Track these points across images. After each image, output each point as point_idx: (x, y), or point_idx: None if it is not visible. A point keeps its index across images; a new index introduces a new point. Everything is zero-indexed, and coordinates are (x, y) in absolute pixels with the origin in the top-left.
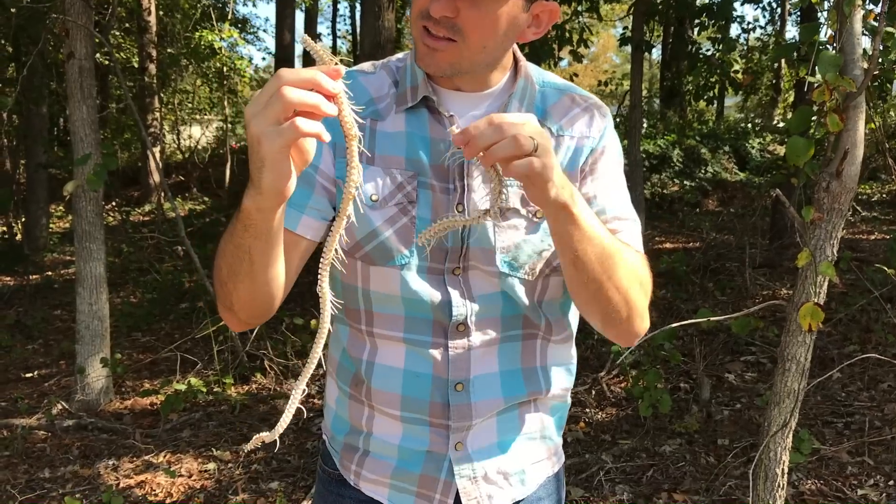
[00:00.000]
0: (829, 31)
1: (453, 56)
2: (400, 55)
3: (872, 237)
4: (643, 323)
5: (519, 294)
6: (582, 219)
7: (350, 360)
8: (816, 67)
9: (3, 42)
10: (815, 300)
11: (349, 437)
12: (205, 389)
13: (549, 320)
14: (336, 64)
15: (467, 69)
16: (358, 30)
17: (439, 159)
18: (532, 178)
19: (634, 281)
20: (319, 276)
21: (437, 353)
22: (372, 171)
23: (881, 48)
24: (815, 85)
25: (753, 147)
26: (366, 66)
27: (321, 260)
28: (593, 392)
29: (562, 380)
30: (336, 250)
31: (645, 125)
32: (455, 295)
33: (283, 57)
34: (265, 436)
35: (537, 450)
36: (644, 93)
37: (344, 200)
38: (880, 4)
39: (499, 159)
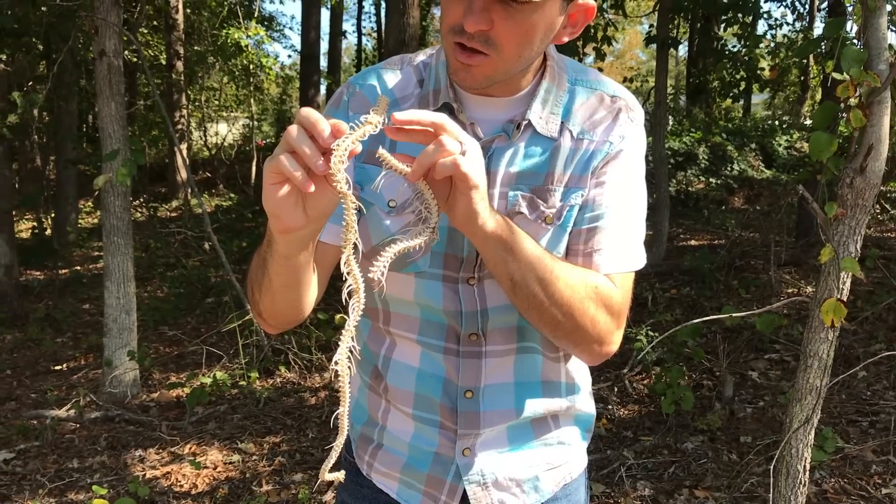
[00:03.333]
0: (855, 26)
1: (488, 70)
2: (429, 51)
3: None
4: (601, 347)
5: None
6: (515, 244)
7: (370, 352)
8: (841, 63)
9: (34, 40)
10: (838, 296)
11: (366, 428)
12: (230, 383)
13: None
14: (371, 124)
15: (502, 79)
16: (383, 27)
17: None
18: (459, 181)
19: (584, 303)
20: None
21: (449, 358)
22: (391, 174)
23: None
24: (840, 80)
25: (780, 144)
26: (394, 60)
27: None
28: (616, 389)
29: (587, 395)
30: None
31: (671, 122)
32: (468, 305)
33: (309, 54)
34: (337, 475)
35: (553, 456)
36: (670, 90)
37: (346, 263)
38: None
39: (426, 166)
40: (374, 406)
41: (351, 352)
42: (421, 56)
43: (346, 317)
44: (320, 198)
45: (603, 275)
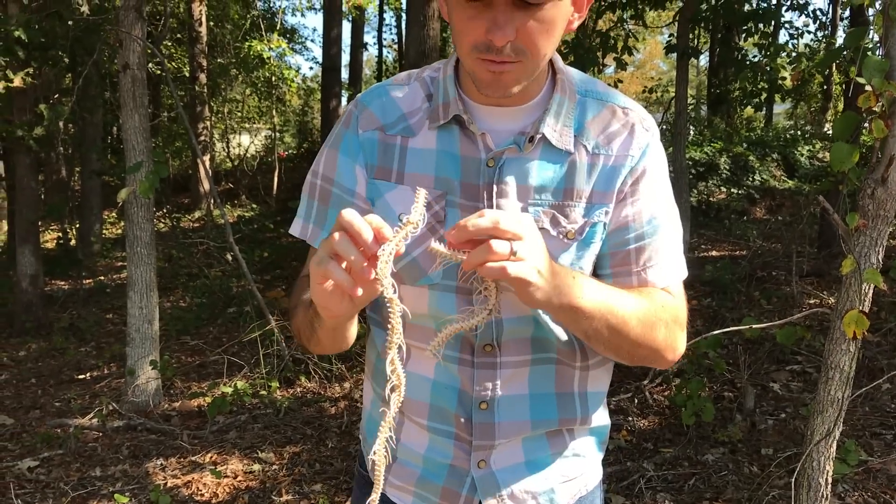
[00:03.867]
0: (876, 36)
1: (519, 73)
2: (436, 65)
3: None
4: (672, 355)
5: (549, 317)
6: (585, 308)
7: (384, 365)
8: (862, 73)
9: (60, 53)
10: (860, 308)
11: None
12: (251, 392)
13: (582, 344)
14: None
15: (529, 80)
16: (403, 39)
17: (469, 177)
18: (511, 282)
19: (655, 329)
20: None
21: (464, 369)
22: (401, 190)
23: None
24: (862, 90)
25: (802, 154)
26: (401, 76)
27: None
28: (636, 400)
29: (601, 407)
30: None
31: (692, 132)
32: None
33: (330, 66)
34: None
35: (569, 468)
36: (691, 100)
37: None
38: None
39: (474, 266)
40: (372, 448)
41: (388, 442)
42: (428, 71)
43: (367, 328)
44: (366, 294)
45: (660, 289)
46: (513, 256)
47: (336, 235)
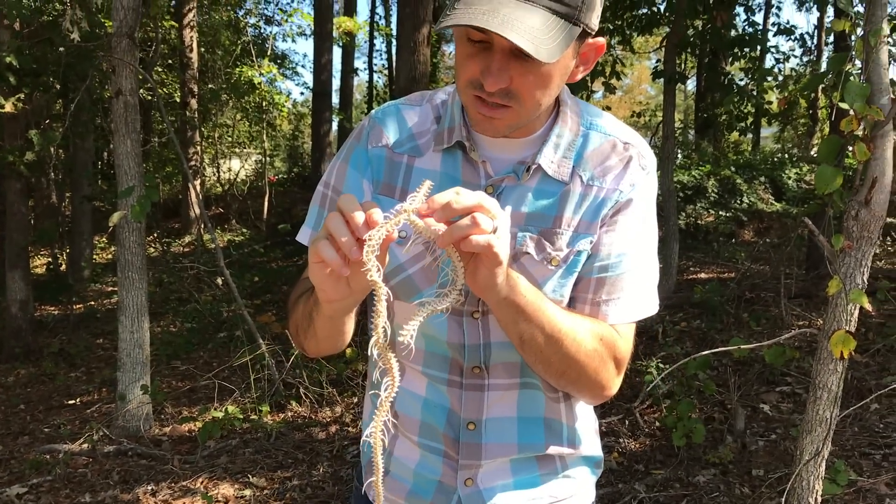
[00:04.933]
0: (858, 62)
1: (510, 119)
2: (448, 89)
3: None
4: (602, 392)
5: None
6: (527, 307)
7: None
8: (844, 97)
9: (51, 79)
10: (847, 328)
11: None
12: (241, 417)
13: None
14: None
15: (523, 125)
16: (394, 65)
17: None
18: (487, 257)
19: (589, 357)
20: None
21: (453, 390)
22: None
23: None
24: (845, 114)
25: (790, 178)
26: (415, 97)
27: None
28: (626, 422)
29: (592, 436)
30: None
31: (680, 156)
32: (471, 338)
33: (321, 91)
34: None
35: (559, 489)
36: (679, 124)
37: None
38: None
39: (457, 238)
40: (365, 432)
41: (385, 425)
42: (441, 95)
43: (358, 351)
44: (361, 277)
45: (609, 325)
46: (494, 233)
47: (333, 216)
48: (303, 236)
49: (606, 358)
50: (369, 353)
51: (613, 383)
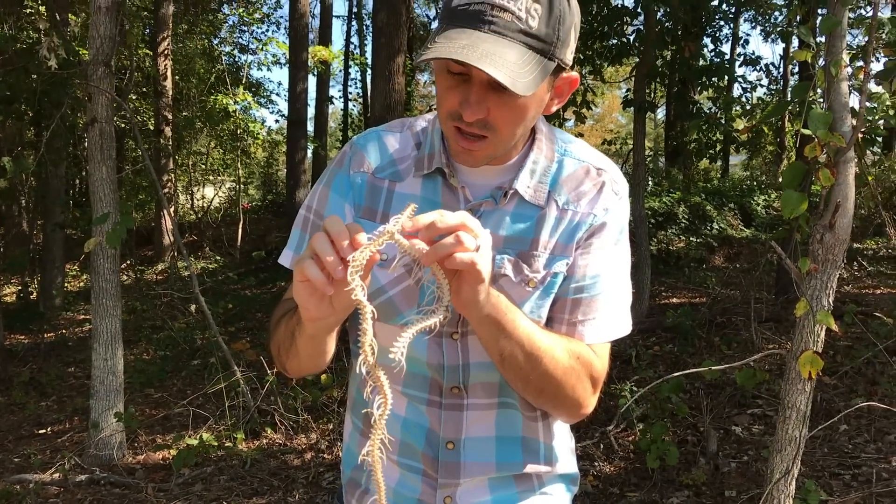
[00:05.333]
0: (820, 90)
1: (489, 150)
2: (428, 116)
3: (878, 291)
4: (578, 410)
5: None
6: (507, 325)
7: (363, 398)
8: (808, 124)
9: (24, 107)
10: (814, 348)
11: (355, 472)
12: (216, 444)
13: None
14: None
15: (501, 154)
16: (369, 93)
17: None
18: (470, 274)
19: (567, 374)
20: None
21: (432, 410)
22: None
23: (867, 105)
24: (809, 140)
25: (759, 204)
26: (395, 124)
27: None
28: (601, 445)
29: (569, 455)
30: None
31: (651, 183)
32: (450, 359)
33: (296, 119)
34: None
35: None
36: (649, 151)
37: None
38: (864, 64)
39: (441, 256)
40: (362, 451)
41: (382, 443)
42: (421, 122)
43: (334, 378)
44: (344, 296)
45: (586, 344)
46: (476, 251)
47: (319, 237)
48: (284, 259)
49: (583, 376)
50: (357, 371)
51: (590, 401)
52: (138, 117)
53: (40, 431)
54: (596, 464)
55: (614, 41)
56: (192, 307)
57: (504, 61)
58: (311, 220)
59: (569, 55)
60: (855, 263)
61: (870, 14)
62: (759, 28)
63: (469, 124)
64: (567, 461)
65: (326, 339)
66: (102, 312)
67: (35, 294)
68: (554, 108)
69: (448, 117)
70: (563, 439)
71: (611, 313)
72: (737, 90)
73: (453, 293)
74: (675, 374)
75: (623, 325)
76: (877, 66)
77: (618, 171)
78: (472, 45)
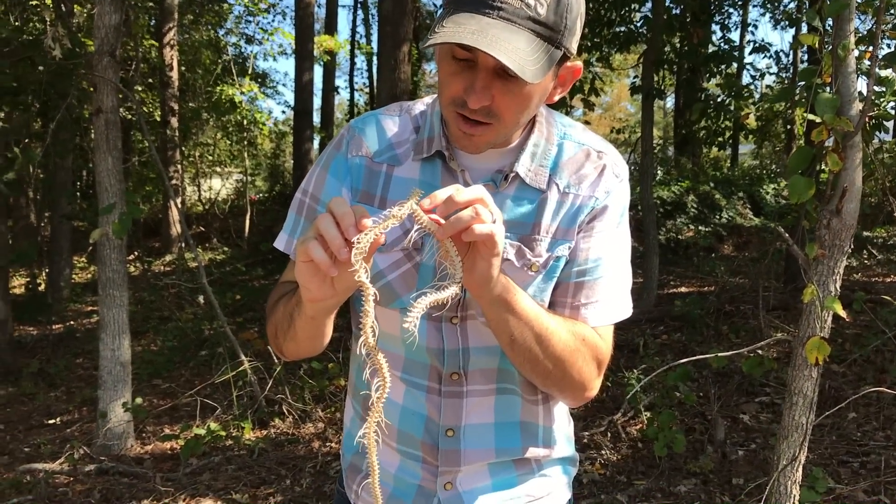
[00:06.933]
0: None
1: (489, 137)
2: (426, 100)
3: (888, 280)
4: (584, 393)
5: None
6: (517, 305)
7: (363, 382)
8: (815, 108)
9: (31, 99)
10: (821, 334)
11: (355, 458)
12: (224, 434)
13: None
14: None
15: (502, 141)
16: (375, 83)
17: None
18: (486, 246)
19: (573, 356)
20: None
21: (431, 397)
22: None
23: (875, 90)
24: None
25: (768, 192)
26: (393, 107)
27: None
28: (609, 434)
29: (566, 438)
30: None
31: (660, 172)
32: (450, 343)
33: (302, 109)
34: None
35: (535, 487)
36: (658, 140)
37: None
38: (872, 48)
39: (459, 228)
40: (359, 432)
41: (378, 425)
42: (419, 105)
43: (341, 366)
44: (346, 278)
45: (591, 327)
46: (494, 224)
47: (323, 217)
48: (280, 242)
49: (589, 358)
50: (358, 353)
51: (595, 383)
52: (144, 108)
53: (49, 422)
54: (603, 452)
55: (622, 28)
56: (200, 298)
57: (513, 48)
58: (306, 203)
59: (574, 44)
60: (864, 251)
61: None
62: (768, 15)
63: (473, 111)
64: (565, 443)
65: (325, 320)
66: (109, 302)
67: (43, 286)
68: (556, 98)
69: (451, 103)
70: (561, 423)
71: (613, 296)
72: (746, 77)
73: (467, 270)
74: (681, 362)
75: (625, 308)
76: (885, 51)
77: (618, 154)
78: (480, 31)
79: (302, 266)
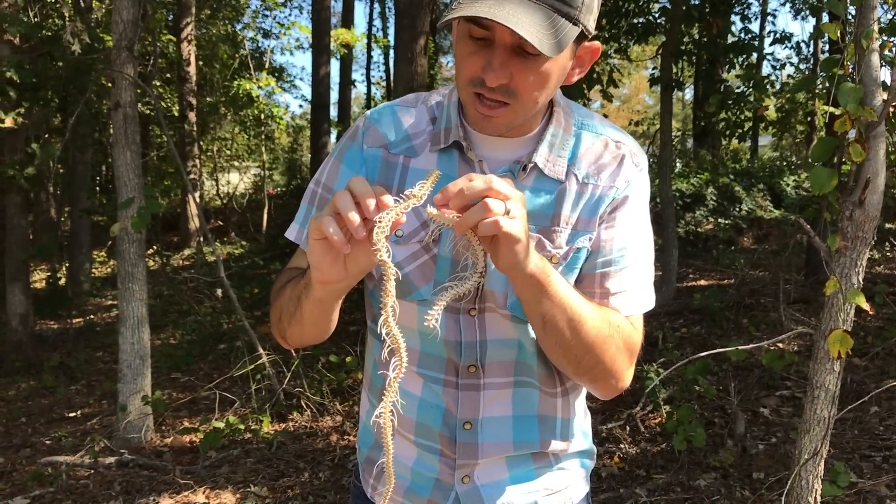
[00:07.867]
0: (850, 65)
1: (508, 118)
2: (443, 90)
3: None
4: (616, 383)
5: (533, 341)
6: (550, 286)
7: (379, 376)
8: (838, 98)
9: (50, 93)
10: (844, 327)
11: (371, 451)
12: (242, 427)
13: (559, 371)
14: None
15: (520, 123)
16: (392, 76)
17: None
18: (501, 239)
19: (606, 343)
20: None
21: (448, 391)
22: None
23: None
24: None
25: (788, 184)
26: (410, 98)
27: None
28: (628, 428)
29: (584, 432)
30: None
31: (679, 164)
32: (468, 335)
33: (319, 104)
34: None
35: (553, 481)
36: (677, 132)
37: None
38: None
39: (470, 225)
40: (379, 430)
41: (394, 406)
42: (436, 96)
43: (358, 360)
44: (359, 258)
45: (623, 316)
46: (507, 214)
47: (342, 195)
48: (291, 232)
49: (622, 346)
50: (378, 332)
51: (627, 374)
52: (162, 103)
53: (70, 415)
54: (622, 445)
55: (640, 19)
56: (219, 292)
57: (531, 21)
58: (319, 193)
59: (592, 22)
60: (886, 244)
61: None
62: (788, 4)
63: (491, 90)
64: (583, 437)
65: (333, 305)
66: (129, 296)
67: (63, 280)
68: (575, 78)
69: (469, 83)
70: (579, 417)
71: (641, 285)
72: (766, 68)
73: (493, 258)
74: (700, 355)
75: (651, 298)
76: None
77: (636, 143)
78: (497, 5)
79: (315, 244)
